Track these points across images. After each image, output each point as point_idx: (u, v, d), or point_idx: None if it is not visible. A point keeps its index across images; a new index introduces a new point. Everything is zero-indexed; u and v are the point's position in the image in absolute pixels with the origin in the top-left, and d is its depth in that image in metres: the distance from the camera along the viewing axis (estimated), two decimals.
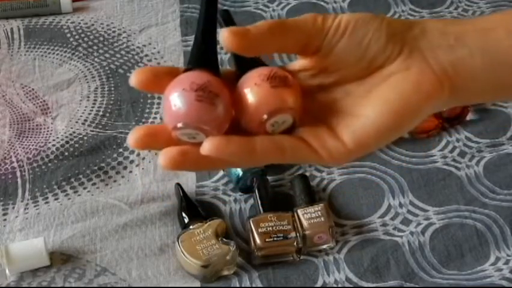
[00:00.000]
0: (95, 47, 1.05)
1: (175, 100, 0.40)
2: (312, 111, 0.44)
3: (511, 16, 0.45)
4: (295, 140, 0.42)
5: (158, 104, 0.97)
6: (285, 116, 0.42)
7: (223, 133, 0.41)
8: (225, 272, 0.78)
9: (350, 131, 0.42)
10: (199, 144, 0.40)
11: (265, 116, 0.41)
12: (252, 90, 0.41)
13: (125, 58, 1.03)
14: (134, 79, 0.41)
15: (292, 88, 0.42)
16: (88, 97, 0.98)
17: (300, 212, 0.82)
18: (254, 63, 0.43)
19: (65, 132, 0.93)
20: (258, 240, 0.79)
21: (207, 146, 0.39)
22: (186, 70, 0.42)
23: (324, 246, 0.81)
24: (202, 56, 0.43)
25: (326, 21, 0.43)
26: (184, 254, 0.77)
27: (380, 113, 0.42)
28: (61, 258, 0.80)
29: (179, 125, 0.40)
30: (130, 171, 0.89)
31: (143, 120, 0.95)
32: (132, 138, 0.40)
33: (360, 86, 0.44)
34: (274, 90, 0.41)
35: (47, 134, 0.93)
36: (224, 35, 0.41)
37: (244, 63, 0.43)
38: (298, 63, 0.46)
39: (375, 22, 0.43)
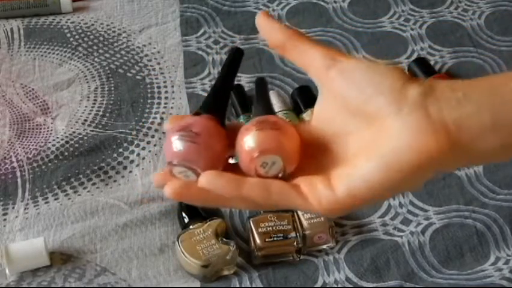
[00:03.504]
0: (95, 47, 1.05)
1: (167, 142, 0.44)
2: (317, 160, 0.45)
3: None
4: (285, 185, 0.43)
5: (159, 103, 0.97)
6: (271, 157, 0.43)
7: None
8: (225, 272, 0.78)
9: (344, 182, 0.42)
10: None
11: (253, 156, 0.43)
12: (241, 134, 0.44)
13: (125, 58, 1.03)
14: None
15: (280, 131, 0.44)
16: (88, 97, 0.98)
17: (300, 211, 0.82)
18: (265, 111, 0.47)
19: (65, 132, 0.93)
20: (258, 240, 0.79)
21: (202, 179, 0.43)
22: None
23: (324, 246, 0.81)
24: (208, 103, 0.47)
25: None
26: (184, 254, 0.77)
27: (372, 167, 0.42)
28: (61, 258, 0.80)
29: (173, 162, 0.44)
30: (130, 171, 0.89)
31: (143, 120, 0.95)
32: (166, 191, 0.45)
33: (362, 138, 0.44)
34: (260, 132, 0.43)
35: (47, 134, 0.93)
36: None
37: (257, 113, 0.47)
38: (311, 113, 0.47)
39: (378, 70, 0.43)
